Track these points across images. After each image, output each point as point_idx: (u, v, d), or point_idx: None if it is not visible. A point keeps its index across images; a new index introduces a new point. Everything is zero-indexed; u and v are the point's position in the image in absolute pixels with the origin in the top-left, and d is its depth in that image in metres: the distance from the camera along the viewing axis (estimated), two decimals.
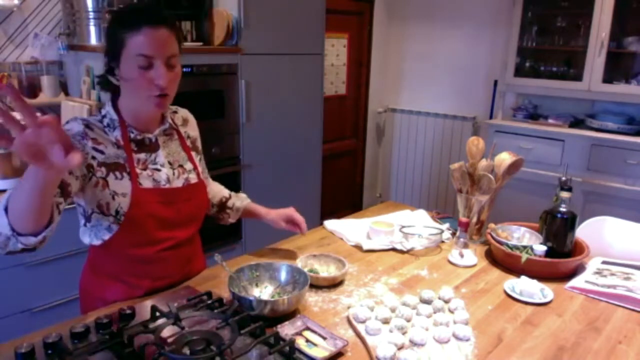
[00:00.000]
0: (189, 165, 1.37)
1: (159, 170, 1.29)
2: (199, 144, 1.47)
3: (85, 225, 1.27)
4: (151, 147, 1.30)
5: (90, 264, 1.36)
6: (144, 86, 1.17)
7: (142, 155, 1.27)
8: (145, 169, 1.26)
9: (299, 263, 1.45)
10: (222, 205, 1.57)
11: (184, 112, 1.45)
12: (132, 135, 1.26)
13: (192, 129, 1.45)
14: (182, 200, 1.31)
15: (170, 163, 1.32)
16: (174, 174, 1.32)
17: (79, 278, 1.39)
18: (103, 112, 1.27)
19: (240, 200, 1.59)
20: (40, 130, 0.76)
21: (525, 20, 3.38)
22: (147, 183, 1.26)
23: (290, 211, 1.56)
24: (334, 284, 1.40)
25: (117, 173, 1.22)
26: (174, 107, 1.43)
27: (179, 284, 1.37)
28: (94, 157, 1.19)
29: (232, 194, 1.61)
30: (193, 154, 1.40)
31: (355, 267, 1.52)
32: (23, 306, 2.07)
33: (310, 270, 1.43)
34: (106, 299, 1.29)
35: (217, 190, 1.58)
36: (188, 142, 1.40)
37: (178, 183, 1.32)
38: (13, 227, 0.98)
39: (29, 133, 0.76)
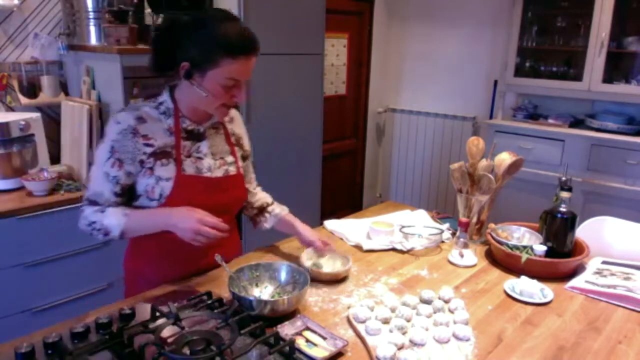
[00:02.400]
0: (230, 158, 1.45)
1: (201, 158, 1.38)
2: (243, 142, 1.53)
3: (132, 202, 1.37)
4: (198, 137, 1.39)
5: (132, 245, 1.46)
6: (221, 99, 1.28)
7: (188, 143, 1.36)
8: (189, 156, 1.35)
9: (304, 256, 1.45)
10: (262, 209, 1.60)
11: (231, 111, 1.51)
12: (183, 125, 1.36)
13: (238, 127, 1.53)
14: (220, 190, 1.39)
15: (212, 154, 1.41)
16: (215, 164, 1.40)
17: (123, 261, 1.49)
18: (160, 99, 1.36)
19: (281, 209, 1.61)
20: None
21: (525, 20, 3.38)
22: (190, 170, 1.35)
23: (318, 235, 1.54)
24: (336, 280, 1.40)
25: (164, 160, 1.32)
26: None
27: (216, 267, 1.42)
28: (144, 153, 1.30)
29: (275, 202, 1.64)
30: (236, 149, 1.48)
31: (355, 267, 1.52)
32: (23, 306, 2.07)
33: (314, 265, 1.44)
34: (148, 277, 1.39)
35: (261, 196, 1.62)
36: (232, 139, 1.48)
37: (218, 173, 1.40)
38: (122, 235, 1.30)
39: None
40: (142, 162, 1.30)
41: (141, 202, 1.34)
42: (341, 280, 1.42)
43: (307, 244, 1.51)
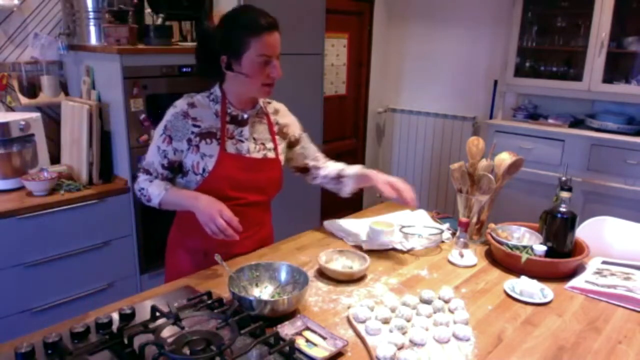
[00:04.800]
0: (270, 145, 1.61)
1: (242, 141, 1.55)
2: (289, 130, 1.68)
3: (181, 178, 1.57)
4: (241, 123, 1.56)
5: (177, 217, 1.65)
6: (261, 78, 1.45)
7: (232, 127, 1.55)
8: (231, 138, 1.54)
9: (323, 257, 1.47)
10: (340, 176, 1.71)
11: (277, 104, 1.70)
12: (228, 111, 1.54)
13: (282, 117, 1.68)
14: (257, 170, 1.56)
15: (254, 139, 1.58)
16: (255, 147, 1.57)
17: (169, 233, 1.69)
18: (212, 90, 1.56)
19: (354, 169, 1.69)
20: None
21: (525, 20, 3.38)
22: (231, 149, 1.53)
23: (399, 180, 1.59)
24: (351, 280, 1.42)
25: (208, 139, 1.51)
26: (269, 99, 1.67)
27: (250, 252, 1.58)
28: (192, 132, 1.49)
29: (347, 166, 1.73)
30: (277, 137, 1.64)
31: None
32: (23, 306, 2.07)
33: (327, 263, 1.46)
34: (188, 246, 1.59)
35: (335, 167, 1.74)
36: (275, 128, 1.64)
37: (257, 155, 1.57)
38: (159, 205, 1.53)
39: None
40: (189, 140, 1.49)
41: (189, 178, 1.53)
42: (356, 280, 1.43)
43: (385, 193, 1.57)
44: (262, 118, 1.62)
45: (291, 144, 1.70)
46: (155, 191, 1.51)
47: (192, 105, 1.52)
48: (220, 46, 1.46)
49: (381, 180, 1.59)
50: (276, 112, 1.68)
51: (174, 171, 1.56)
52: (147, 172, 1.56)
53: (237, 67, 1.46)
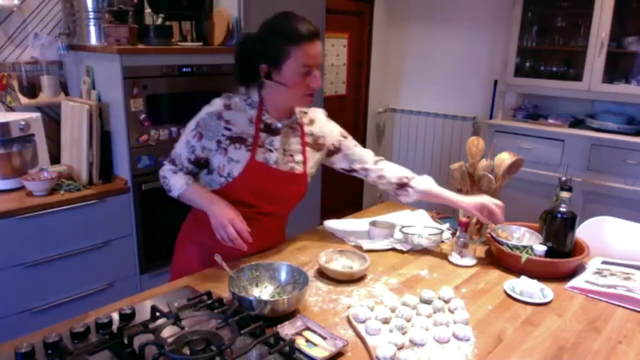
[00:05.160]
0: (299, 157, 1.57)
1: (271, 151, 1.52)
2: (325, 141, 1.64)
3: (206, 175, 1.57)
4: (274, 132, 1.53)
5: (194, 210, 1.64)
6: (302, 88, 1.44)
7: (264, 135, 1.51)
8: (261, 147, 1.51)
9: (323, 257, 1.47)
10: (403, 184, 1.67)
11: (313, 113, 1.66)
12: (263, 118, 1.51)
13: (318, 128, 1.64)
14: (282, 182, 1.54)
15: (284, 150, 1.54)
16: (283, 159, 1.54)
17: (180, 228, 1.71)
18: (250, 94, 1.52)
19: (424, 183, 1.66)
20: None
21: (525, 20, 3.38)
22: (259, 158, 1.50)
23: (485, 199, 1.58)
24: (351, 280, 1.42)
25: (237, 144, 1.48)
26: (305, 109, 1.63)
27: (254, 253, 1.57)
28: (223, 135, 1.47)
29: (417, 176, 1.69)
30: (308, 149, 1.60)
31: None
32: (23, 306, 2.07)
33: (328, 262, 1.46)
34: (199, 240, 1.59)
35: (395, 171, 1.69)
36: (309, 139, 1.61)
37: (284, 167, 1.54)
38: (178, 197, 1.55)
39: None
40: (219, 141, 1.48)
41: (213, 177, 1.54)
42: (356, 280, 1.43)
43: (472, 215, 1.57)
44: (295, 129, 1.58)
45: (331, 153, 1.66)
46: (176, 184, 1.53)
47: (228, 107, 1.49)
48: (260, 56, 1.43)
49: (470, 205, 1.56)
50: (311, 122, 1.63)
51: (200, 166, 1.56)
52: (173, 162, 1.56)
53: (277, 77, 1.43)
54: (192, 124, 1.51)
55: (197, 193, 1.52)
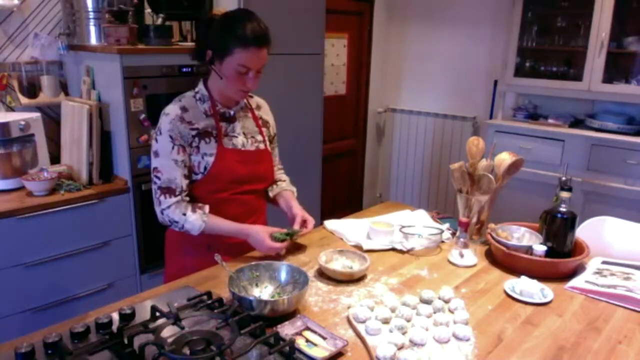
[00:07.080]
0: (259, 137, 1.68)
1: (236, 137, 1.61)
2: (269, 127, 1.75)
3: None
4: (230, 119, 1.61)
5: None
6: (236, 84, 1.50)
7: (224, 124, 1.59)
8: (226, 135, 1.58)
9: (323, 257, 1.46)
10: (274, 181, 1.79)
11: (258, 99, 1.77)
12: (217, 109, 1.58)
13: (265, 114, 1.76)
14: (253, 161, 1.63)
15: (244, 133, 1.63)
16: (247, 141, 1.63)
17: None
18: (196, 89, 1.59)
19: (288, 186, 1.81)
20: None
21: (525, 20, 3.38)
22: (227, 145, 1.57)
23: (306, 215, 1.67)
24: (351, 280, 1.42)
25: (207, 139, 1.54)
26: (250, 94, 1.72)
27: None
28: (192, 135, 1.52)
29: (288, 182, 1.84)
30: (264, 129, 1.70)
31: None
32: (23, 306, 2.07)
33: (327, 262, 1.47)
34: (191, 240, 1.57)
35: (279, 175, 1.83)
36: (260, 122, 1.71)
37: (250, 148, 1.63)
38: (202, 231, 1.52)
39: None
40: (190, 144, 1.52)
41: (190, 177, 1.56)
42: (356, 280, 1.43)
43: (291, 217, 1.67)
44: (247, 113, 1.68)
45: (270, 140, 1.75)
46: (194, 226, 1.51)
47: (184, 109, 1.53)
48: (211, 41, 1.50)
49: (294, 211, 1.68)
50: (258, 107, 1.74)
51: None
52: (171, 193, 1.50)
53: (218, 67, 1.50)
54: (165, 144, 1.50)
55: (222, 225, 1.54)
